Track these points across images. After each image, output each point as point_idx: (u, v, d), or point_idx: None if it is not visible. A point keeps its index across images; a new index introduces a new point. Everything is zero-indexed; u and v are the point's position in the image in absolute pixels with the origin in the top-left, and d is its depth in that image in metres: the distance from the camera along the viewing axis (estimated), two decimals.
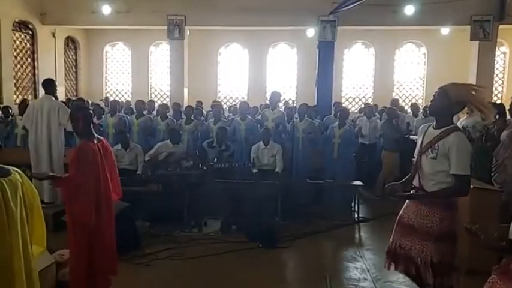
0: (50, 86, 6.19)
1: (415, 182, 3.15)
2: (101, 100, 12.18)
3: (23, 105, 8.51)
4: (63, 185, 3.45)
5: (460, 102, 2.96)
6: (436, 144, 2.95)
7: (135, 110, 8.55)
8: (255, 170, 6.51)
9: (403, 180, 3.30)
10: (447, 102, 2.95)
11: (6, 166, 2.53)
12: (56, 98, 6.49)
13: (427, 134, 3.09)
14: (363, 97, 14.51)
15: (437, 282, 2.98)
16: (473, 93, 2.95)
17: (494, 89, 12.80)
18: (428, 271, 2.97)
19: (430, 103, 3.22)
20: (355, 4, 9.53)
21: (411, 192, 3.20)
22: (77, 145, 3.49)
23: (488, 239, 2.14)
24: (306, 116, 7.58)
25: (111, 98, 12.74)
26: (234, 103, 13.55)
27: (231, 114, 9.80)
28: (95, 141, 3.50)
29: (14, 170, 2.57)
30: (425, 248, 3.00)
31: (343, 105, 13.75)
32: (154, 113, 9.36)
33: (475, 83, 10.92)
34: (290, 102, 9.75)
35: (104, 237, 3.54)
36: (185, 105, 10.28)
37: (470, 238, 2.30)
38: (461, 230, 2.72)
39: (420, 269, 3.02)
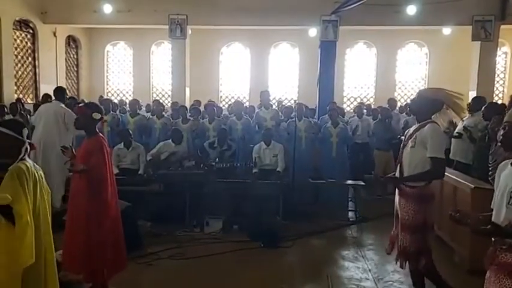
0: (60, 93, 6.77)
1: (397, 174, 3.56)
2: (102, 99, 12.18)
3: (14, 107, 8.59)
4: (86, 176, 3.38)
5: (436, 100, 3.46)
6: (415, 135, 3.40)
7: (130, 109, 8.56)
8: (256, 170, 6.51)
9: (389, 175, 3.81)
10: (425, 101, 3.47)
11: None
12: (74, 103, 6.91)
13: (410, 130, 3.58)
14: (365, 97, 14.48)
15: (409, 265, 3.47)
16: (447, 94, 3.48)
17: (495, 89, 12.76)
18: (403, 257, 3.45)
19: (410, 103, 3.87)
20: (357, 4, 9.52)
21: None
22: (93, 139, 3.50)
23: (475, 224, 2.25)
24: (303, 116, 7.57)
25: (113, 98, 12.75)
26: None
27: (226, 113, 9.80)
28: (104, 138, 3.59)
29: (39, 168, 2.86)
30: (403, 238, 3.42)
31: (344, 105, 13.83)
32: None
33: (476, 83, 11.09)
34: (292, 101, 9.72)
35: (115, 233, 3.58)
36: (187, 105, 10.29)
37: (455, 225, 2.45)
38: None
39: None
